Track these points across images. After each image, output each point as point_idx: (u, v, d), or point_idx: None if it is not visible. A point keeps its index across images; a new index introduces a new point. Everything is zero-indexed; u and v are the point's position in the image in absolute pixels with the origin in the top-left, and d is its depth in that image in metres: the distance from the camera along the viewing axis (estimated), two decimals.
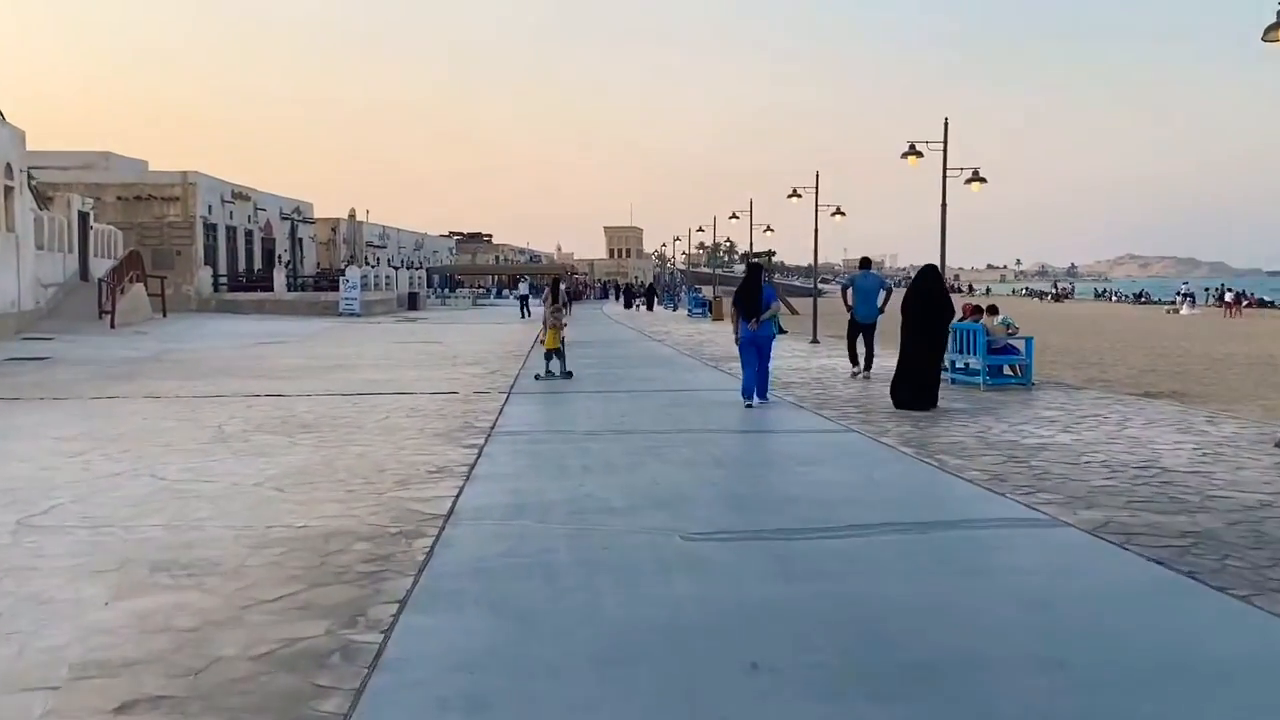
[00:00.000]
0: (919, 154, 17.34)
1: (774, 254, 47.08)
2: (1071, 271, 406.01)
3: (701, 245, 77.31)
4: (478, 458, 8.87)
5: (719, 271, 64.79)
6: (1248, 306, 60.35)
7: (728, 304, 41.27)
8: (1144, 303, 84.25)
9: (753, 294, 12.74)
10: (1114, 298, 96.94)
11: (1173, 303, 72.46)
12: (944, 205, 17.30)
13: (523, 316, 41.99)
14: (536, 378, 15.33)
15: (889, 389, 12.52)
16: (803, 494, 7.37)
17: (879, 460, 8.87)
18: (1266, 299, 67.91)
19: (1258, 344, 28.78)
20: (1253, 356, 23.56)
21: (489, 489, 7.56)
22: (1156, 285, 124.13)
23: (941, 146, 17.22)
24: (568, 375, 15.35)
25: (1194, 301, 71.07)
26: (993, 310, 15.25)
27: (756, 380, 12.56)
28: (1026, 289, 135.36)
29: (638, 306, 58.87)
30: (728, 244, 57.77)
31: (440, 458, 8.89)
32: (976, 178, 17.51)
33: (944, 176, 17.19)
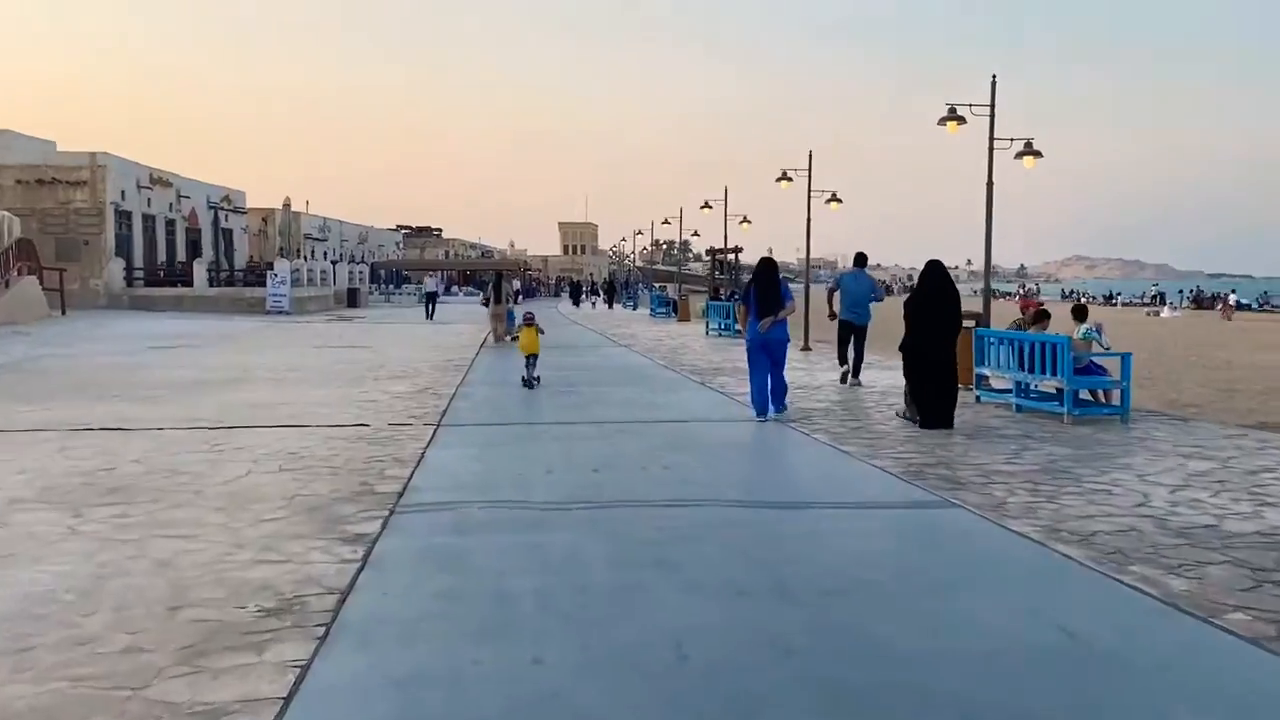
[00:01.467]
0: (962, 120, 13.91)
1: (741, 250, 43.79)
2: (1021, 272, 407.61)
3: (657, 242, 73.89)
4: (359, 572, 5.19)
5: (681, 269, 61.29)
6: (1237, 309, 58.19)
7: (695, 304, 38.06)
8: (1114, 305, 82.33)
9: (770, 290, 10.93)
10: (1083, 299, 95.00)
11: (1150, 304, 70.85)
12: (990, 183, 13.87)
13: (428, 317, 35.53)
14: (526, 384, 13.78)
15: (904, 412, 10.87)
16: (967, 683, 3.73)
17: (1042, 577, 5.28)
18: (1245, 301, 65.86)
19: None
20: None
21: (354, 677, 3.88)
22: (1107, 286, 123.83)
23: (988, 111, 13.81)
24: (535, 381, 13.86)
25: (1168, 302, 69.68)
26: (1077, 315, 11.80)
27: (771, 390, 10.94)
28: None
29: (593, 304, 55.91)
30: (693, 235, 54.13)
31: (295, 571, 5.20)
32: (1030, 151, 14.11)
33: (990, 147, 13.74)
